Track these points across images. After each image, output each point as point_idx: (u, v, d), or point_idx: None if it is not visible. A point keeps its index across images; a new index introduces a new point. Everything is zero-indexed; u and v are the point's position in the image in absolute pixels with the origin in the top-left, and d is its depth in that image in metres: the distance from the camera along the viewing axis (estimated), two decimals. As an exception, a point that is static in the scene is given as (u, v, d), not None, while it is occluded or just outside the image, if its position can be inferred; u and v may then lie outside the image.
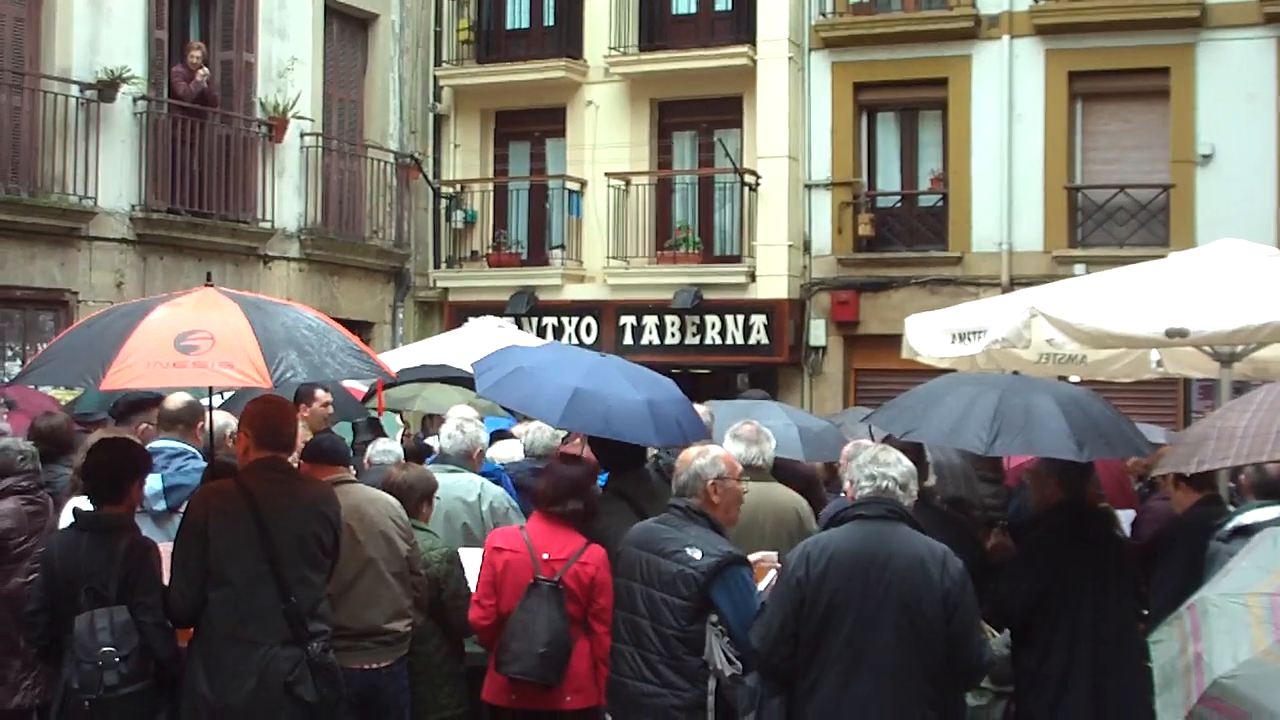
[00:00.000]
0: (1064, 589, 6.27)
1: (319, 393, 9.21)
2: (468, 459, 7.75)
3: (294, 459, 6.52)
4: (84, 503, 5.98)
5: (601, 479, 6.80)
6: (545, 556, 6.13)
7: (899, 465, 5.44)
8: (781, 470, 7.45)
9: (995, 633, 6.60)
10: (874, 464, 5.44)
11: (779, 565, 5.93)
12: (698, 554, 5.56)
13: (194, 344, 5.25)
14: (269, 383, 5.24)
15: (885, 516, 5.32)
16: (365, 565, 6.21)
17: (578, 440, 7.83)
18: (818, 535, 5.51)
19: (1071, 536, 6.41)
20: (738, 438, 7.04)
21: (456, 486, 7.43)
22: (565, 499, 6.27)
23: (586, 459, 6.98)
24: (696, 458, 5.86)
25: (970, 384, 6.76)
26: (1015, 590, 6.32)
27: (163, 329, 5.36)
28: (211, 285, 5.91)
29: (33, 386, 9.58)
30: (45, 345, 6.55)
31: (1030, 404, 6.30)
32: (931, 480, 7.16)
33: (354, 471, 6.96)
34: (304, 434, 7.98)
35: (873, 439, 7.00)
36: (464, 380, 10.40)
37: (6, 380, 12.56)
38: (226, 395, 9.22)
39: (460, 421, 7.95)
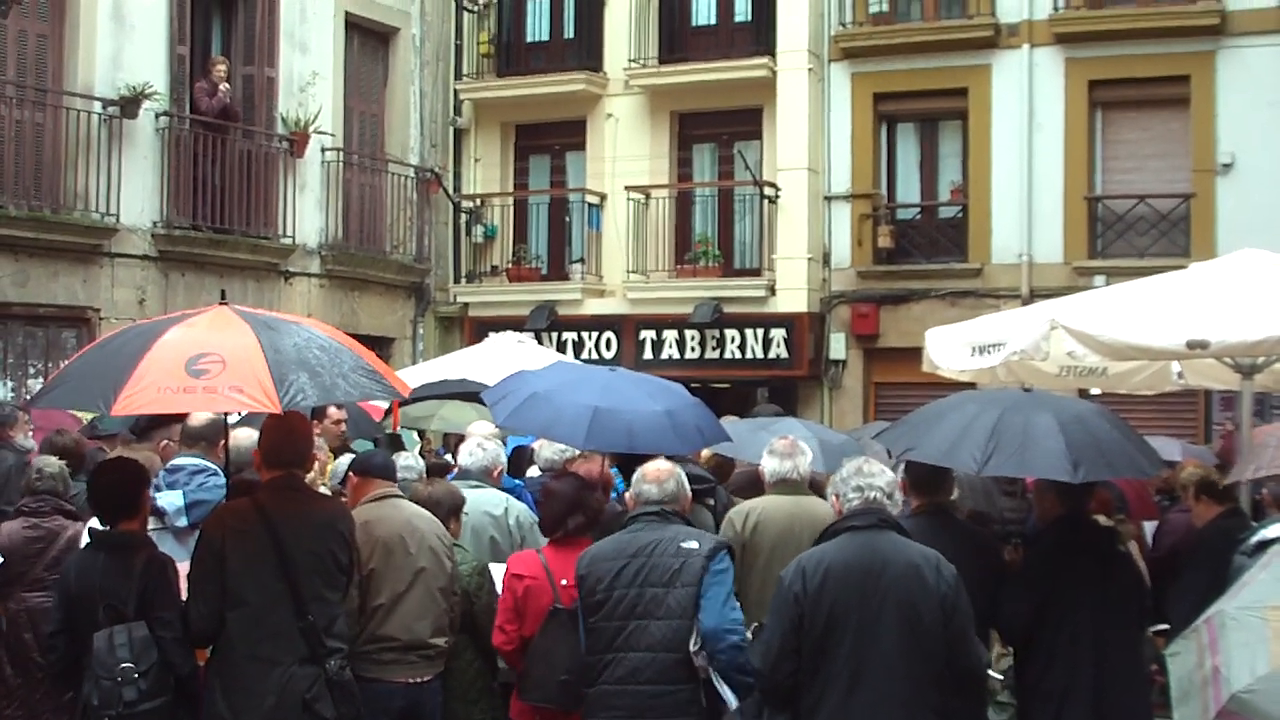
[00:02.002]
0: (1062, 604, 6.27)
1: (331, 410, 9.29)
2: (488, 475, 7.79)
3: (313, 477, 6.54)
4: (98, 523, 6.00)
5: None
6: (564, 583, 6.11)
7: (883, 475, 5.52)
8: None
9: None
10: (859, 475, 5.50)
11: None
12: (694, 544, 5.73)
13: (204, 368, 5.26)
14: (278, 407, 5.23)
15: (876, 526, 5.36)
16: (417, 576, 6.28)
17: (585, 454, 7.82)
18: (811, 550, 5.51)
19: (1071, 551, 6.40)
20: (773, 453, 7.08)
21: (483, 501, 7.47)
22: (564, 518, 6.31)
23: (605, 474, 7.00)
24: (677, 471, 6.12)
25: (975, 402, 6.77)
26: (1014, 606, 6.31)
27: (175, 352, 5.37)
28: (226, 304, 5.93)
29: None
30: (67, 362, 6.57)
31: (1029, 423, 6.30)
32: (955, 495, 7.16)
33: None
34: (320, 451, 8.00)
35: (890, 456, 7.02)
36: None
37: (29, 398, 12.63)
38: (244, 411, 9.26)
39: (481, 439, 8.01)
